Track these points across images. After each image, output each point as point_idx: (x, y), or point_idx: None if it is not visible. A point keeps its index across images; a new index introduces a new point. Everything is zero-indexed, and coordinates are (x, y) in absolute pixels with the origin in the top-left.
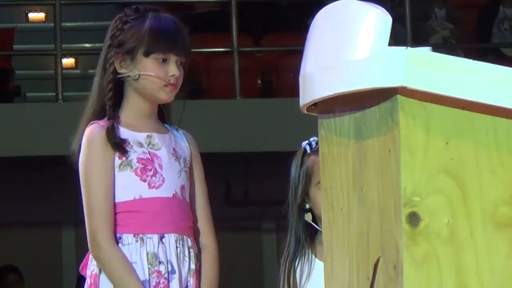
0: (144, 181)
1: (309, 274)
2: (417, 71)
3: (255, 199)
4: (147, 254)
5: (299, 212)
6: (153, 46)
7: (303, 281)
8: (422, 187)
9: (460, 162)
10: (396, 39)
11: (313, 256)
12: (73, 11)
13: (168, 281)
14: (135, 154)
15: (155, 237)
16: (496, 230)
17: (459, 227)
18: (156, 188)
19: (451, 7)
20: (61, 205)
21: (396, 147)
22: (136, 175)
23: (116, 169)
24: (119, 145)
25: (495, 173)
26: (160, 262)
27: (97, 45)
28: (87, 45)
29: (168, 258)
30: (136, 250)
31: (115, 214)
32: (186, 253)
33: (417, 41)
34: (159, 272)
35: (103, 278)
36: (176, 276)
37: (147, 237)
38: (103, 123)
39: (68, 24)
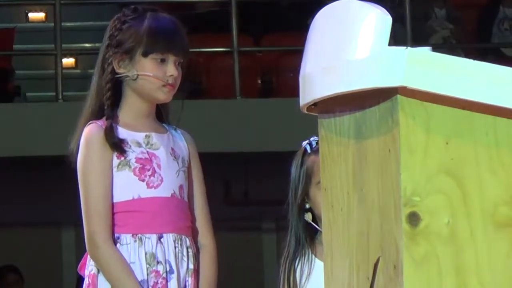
0: (143, 181)
1: (309, 274)
2: (417, 71)
3: (255, 199)
4: (146, 254)
5: (299, 212)
6: (151, 46)
7: (303, 281)
8: (422, 187)
9: (460, 162)
10: (396, 39)
11: (313, 256)
12: (73, 11)
13: (166, 281)
14: (133, 154)
15: (154, 237)
16: (496, 230)
17: (459, 227)
18: (155, 188)
19: (451, 7)
20: (61, 205)
21: (396, 147)
22: (134, 175)
23: (115, 169)
24: (117, 145)
25: (495, 173)
26: (158, 262)
27: (97, 45)
28: (87, 45)
29: (167, 258)
30: (135, 250)
31: (114, 214)
32: (185, 253)
33: (417, 41)
34: (157, 272)
35: (101, 278)
36: (174, 276)
37: (145, 237)
38: (101, 123)
39: (68, 24)
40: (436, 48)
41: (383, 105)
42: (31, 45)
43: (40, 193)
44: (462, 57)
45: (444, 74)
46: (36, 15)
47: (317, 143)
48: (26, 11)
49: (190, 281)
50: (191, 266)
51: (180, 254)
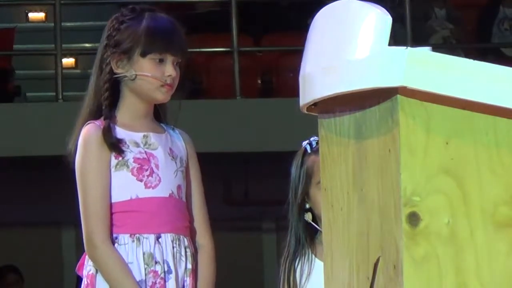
0: (141, 181)
1: (309, 274)
2: (417, 71)
3: (255, 199)
4: (144, 254)
5: (299, 212)
6: (150, 46)
7: (303, 281)
8: (422, 187)
9: (460, 162)
10: (396, 39)
11: (313, 256)
12: (73, 11)
13: (165, 281)
14: (131, 154)
15: (152, 237)
16: (496, 230)
17: (459, 227)
18: (153, 188)
19: (451, 7)
20: (61, 205)
21: (396, 147)
22: (132, 175)
23: (113, 169)
24: (115, 145)
25: (495, 173)
26: (156, 262)
27: (97, 45)
28: (87, 45)
29: (165, 258)
30: (133, 250)
31: (112, 214)
32: (183, 253)
33: (417, 41)
34: (155, 272)
35: (100, 278)
36: (172, 276)
37: (143, 237)
38: (100, 123)
39: (68, 24)
40: (436, 48)
41: (383, 105)
42: (31, 45)
43: (40, 193)
44: (462, 57)
45: (444, 74)
46: (36, 15)
47: (317, 143)
48: (26, 11)
49: (188, 281)
50: (189, 266)
51: (178, 254)
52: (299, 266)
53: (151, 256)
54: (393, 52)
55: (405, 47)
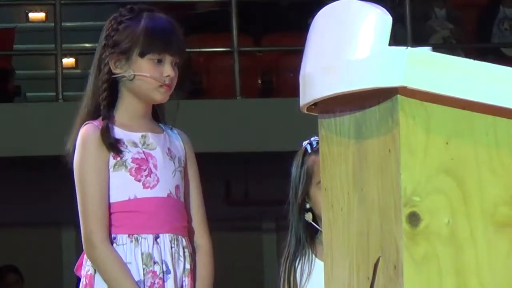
0: (139, 181)
1: (309, 274)
2: (417, 71)
3: (255, 199)
4: (142, 254)
5: (299, 211)
6: (148, 46)
7: (303, 280)
8: (422, 187)
9: (460, 162)
10: (396, 39)
11: (314, 256)
12: (73, 11)
13: (163, 281)
14: (129, 154)
15: (150, 237)
16: (496, 230)
17: (459, 227)
18: (151, 188)
19: (451, 7)
20: (61, 205)
21: (396, 147)
22: (130, 175)
23: (111, 169)
24: (113, 145)
25: (495, 173)
26: (155, 263)
27: (97, 45)
28: (87, 45)
29: (163, 258)
30: (131, 250)
31: (110, 214)
32: (181, 253)
33: (417, 41)
34: (154, 272)
35: (98, 278)
36: (171, 276)
37: (141, 237)
38: (98, 123)
39: (68, 24)
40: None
41: (383, 105)
42: (31, 45)
43: (40, 193)
44: (462, 57)
45: (444, 74)
46: (36, 15)
47: (317, 143)
48: (26, 11)
49: (186, 281)
50: (188, 266)
51: (176, 254)
52: (299, 266)
53: (150, 256)
54: (393, 52)
55: (405, 47)
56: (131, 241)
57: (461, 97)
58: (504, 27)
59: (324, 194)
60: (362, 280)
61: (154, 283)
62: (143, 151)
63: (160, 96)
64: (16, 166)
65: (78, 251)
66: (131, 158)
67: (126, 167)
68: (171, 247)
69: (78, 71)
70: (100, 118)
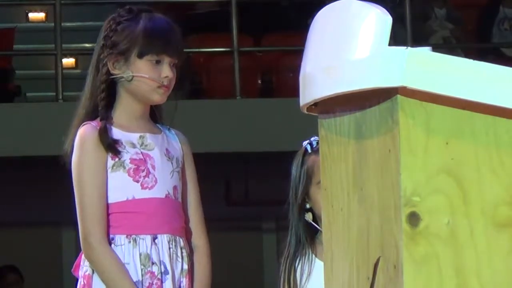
0: (137, 181)
1: (309, 274)
2: (417, 71)
3: (255, 199)
4: (140, 255)
5: (299, 211)
6: (147, 47)
7: (303, 280)
8: (422, 187)
9: (460, 162)
10: (396, 39)
11: (313, 256)
12: (73, 11)
13: (161, 282)
14: (128, 154)
15: (148, 238)
16: (496, 230)
17: (459, 227)
18: (149, 189)
19: (451, 7)
20: (61, 205)
21: (396, 147)
22: (129, 175)
23: (109, 170)
24: (112, 146)
25: (495, 173)
26: (153, 263)
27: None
28: (87, 45)
29: (161, 259)
30: (129, 251)
31: (108, 215)
32: (179, 254)
33: (417, 41)
34: (152, 273)
35: (96, 279)
36: (169, 276)
37: (140, 238)
38: (96, 123)
39: (68, 24)
40: (436, 48)
41: (383, 105)
42: (31, 45)
43: (40, 193)
44: (462, 57)
45: (444, 74)
46: (36, 15)
47: (317, 143)
48: (26, 11)
49: (184, 282)
50: (186, 266)
51: (174, 255)
52: (299, 266)
53: (148, 257)
54: (393, 52)
55: (405, 47)
56: (129, 242)
57: (461, 97)
58: (504, 27)
59: (324, 194)
60: (362, 280)
61: (152, 283)
62: (141, 152)
63: (158, 97)
64: (16, 166)
65: (78, 251)
66: (129, 158)
67: (124, 167)
68: (169, 248)
69: (78, 71)
70: (98, 119)
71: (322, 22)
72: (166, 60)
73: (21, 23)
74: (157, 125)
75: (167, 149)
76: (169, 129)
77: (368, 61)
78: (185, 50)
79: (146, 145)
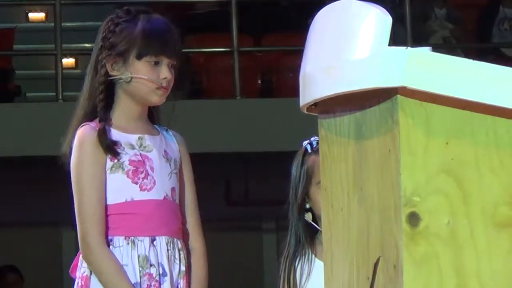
0: (136, 183)
1: (309, 274)
2: (417, 71)
3: (255, 199)
4: (138, 256)
5: (299, 211)
6: (145, 48)
7: (303, 280)
8: (422, 187)
9: (460, 162)
10: (396, 39)
11: (313, 256)
12: (73, 11)
13: (160, 284)
14: (126, 156)
15: (147, 239)
16: (496, 230)
17: (459, 227)
18: (148, 191)
19: (451, 7)
20: (61, 205)
21: (396, 147)
22: (127, 177)
23: (108, 171)
24: (110, 148)
25: (495, 173)
26: (151, 265)
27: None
28: (87, 45)
29: (159, 261)
30: (127, 252)
31: (107, 216)
32: (177, 255)
33: (417, 41)
34: (150, 274)
35: (94, 280)
36: (167, 278)
37: (138, 240)
38: (95, 125)
39: (68, 24)
40: (436, 48)
41: (383, 105)
42: (31, 45)
43: (40, 193)
44: (462, 57)
45: (444, 74)
46: (36, 15)
47: (317, 143)
48: (26, 11)
49: (182, 283)
50: (183, 268)
51: (172, 257)
52: (299, 266)
53: (146, 258)
54: (393, 52)
55: (405, 47)
56: (128, 243)
57: (461, 97)
58: (504, 27)
59: (324, 194)
60: (362, 280)
61: (150, 285)
62: (140, 153)
63: (157, 98)
64: (16, 166)
65: (78, 251)
66: (128, 160)
67: (123, 169)
68: (167, 250)
69: (78, 71)
70: (97, 120)
71: (322, 22)
72: (165, 61)
73: (21, 23)
74: (155, 126)
75: (165, 151)
76: (166, 130)
77: (368, 61)
78: (185, 50)
79: (144, 147)
